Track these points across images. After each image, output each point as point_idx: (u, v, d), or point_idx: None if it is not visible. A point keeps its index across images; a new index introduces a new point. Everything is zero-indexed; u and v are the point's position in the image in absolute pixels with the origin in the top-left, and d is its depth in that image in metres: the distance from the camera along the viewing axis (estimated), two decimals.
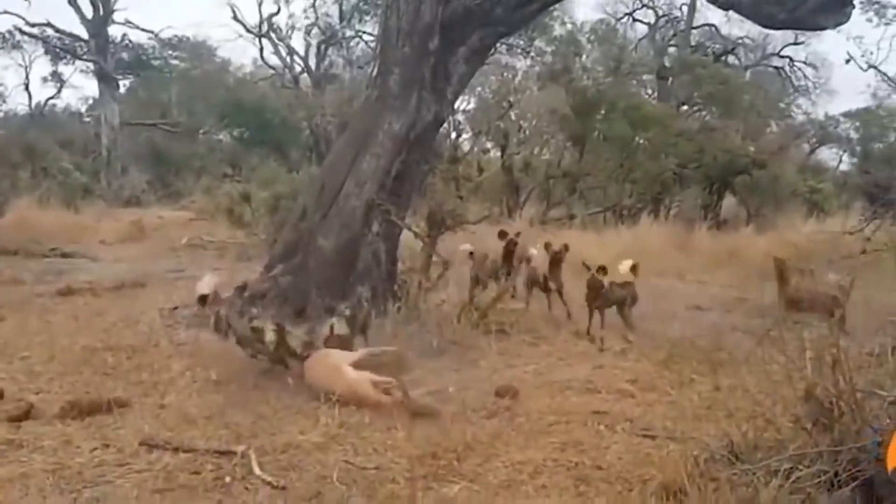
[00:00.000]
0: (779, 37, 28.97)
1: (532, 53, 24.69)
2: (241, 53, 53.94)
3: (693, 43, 29.53)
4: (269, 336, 5.53)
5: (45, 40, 29.71)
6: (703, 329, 7.42)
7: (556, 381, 5.52)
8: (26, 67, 32.48)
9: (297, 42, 31.06)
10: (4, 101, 31.49)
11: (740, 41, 29.68)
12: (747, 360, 5.33)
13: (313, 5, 29.36)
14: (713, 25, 29.47)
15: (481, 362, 6.02)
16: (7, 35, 29.99)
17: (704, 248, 13.03)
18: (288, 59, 30.97)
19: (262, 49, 30.63)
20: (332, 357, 5.22)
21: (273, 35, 30.05)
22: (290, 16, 30.02)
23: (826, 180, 23.78)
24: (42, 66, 32.99)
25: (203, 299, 5.99)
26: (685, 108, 24.53)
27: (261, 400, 4.86)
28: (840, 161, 31.71)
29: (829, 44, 37.23)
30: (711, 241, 13.92)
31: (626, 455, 4.01)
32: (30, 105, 33.78)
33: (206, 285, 6.07)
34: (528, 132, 22.35)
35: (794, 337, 4.11)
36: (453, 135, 22.57)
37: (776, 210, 19.19)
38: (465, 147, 22.86)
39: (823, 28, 6.21)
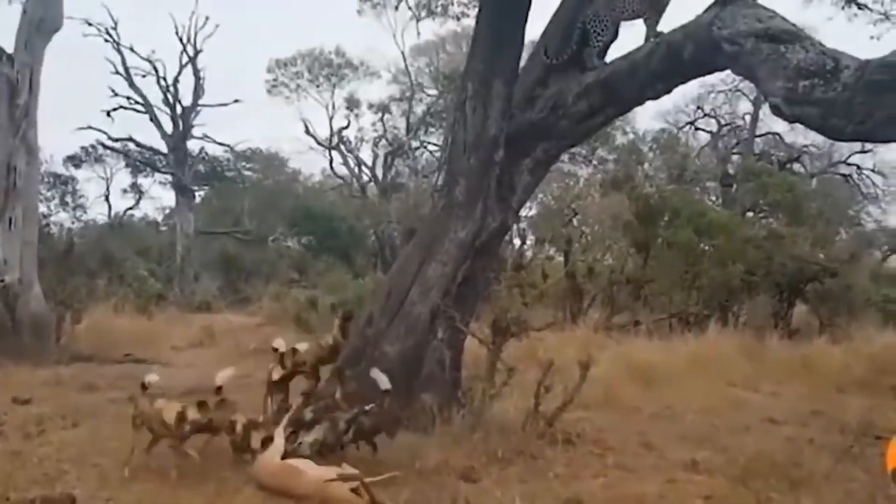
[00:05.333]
0: (845, 145, 28.81)
1: (594, 161, 25.10)
2: (311, 164, 55.90)
3: (757, 151, 29.59)
4: (238, 428, 5.81)
5: (126, 154, 31.57)
6: (778, 443, 7.12)
7: (627, 495, 5.35)
8: (107, 179, 34.59)
9: (366, 153, 32.34)
10: (85, 212, 33.28)
11: (805, 149, 29.63)
12: (828, 477, 5.08)
13: (381, 119, 30.72)
14: (777, 134, 29.59)
15: (548, 473, 5.87)
16: (90, 149, 32.24)
17: (776, 358, 12.60)
18: (356, 169, 32.29)
19: (331, 160, 32.04)
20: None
21: (342, 147, 31.39)
22: (360, 129, 31.30)
23: None
24: (122, 177, 34.82)
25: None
26: (751, 214, 24.37)
27: None
28: None
29: None
30: (783, 350, 13.47)
31: None
32: (109, 214, 35.69)
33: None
34: (590, 238, 22.43)
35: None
36: (517, 241, 22.82)
37: (850, 319, 18.61)
38: (529, 254, 23.02)
39: (893, 141, 6.12)
